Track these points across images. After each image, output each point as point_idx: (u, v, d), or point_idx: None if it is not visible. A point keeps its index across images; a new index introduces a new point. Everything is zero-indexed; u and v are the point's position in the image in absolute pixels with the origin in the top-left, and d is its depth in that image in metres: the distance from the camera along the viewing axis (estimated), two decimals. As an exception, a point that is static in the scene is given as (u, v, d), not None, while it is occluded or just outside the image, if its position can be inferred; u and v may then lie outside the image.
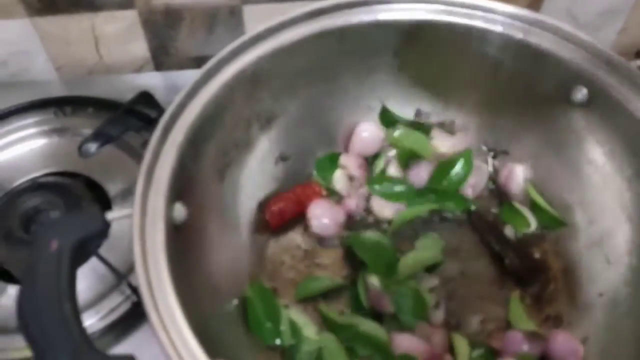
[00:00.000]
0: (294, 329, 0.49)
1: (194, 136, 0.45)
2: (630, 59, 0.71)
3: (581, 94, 0.50)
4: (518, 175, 0.57)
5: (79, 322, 0.36)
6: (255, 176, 0.54)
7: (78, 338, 0.35)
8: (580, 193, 0.54)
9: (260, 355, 0.49)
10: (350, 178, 0.59)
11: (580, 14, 0.73)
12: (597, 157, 0.51)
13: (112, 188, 0.63)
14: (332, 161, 0.59)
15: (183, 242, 0.43)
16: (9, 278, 0.57)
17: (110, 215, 0.41)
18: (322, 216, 0.56)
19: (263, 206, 0.56)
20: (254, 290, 0.51)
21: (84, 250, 0.40)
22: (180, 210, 0.43)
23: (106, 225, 0.40)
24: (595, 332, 0.49)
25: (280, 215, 0.56)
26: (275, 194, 0.56)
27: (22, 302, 0.36)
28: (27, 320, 0.35)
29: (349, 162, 0.59)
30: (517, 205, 0.57)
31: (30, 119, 0.69)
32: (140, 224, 0.39)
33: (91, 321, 0.54)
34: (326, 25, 0.51)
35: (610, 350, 0.48)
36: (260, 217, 0.55)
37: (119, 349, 0.54)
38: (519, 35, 0.51)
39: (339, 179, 0.59)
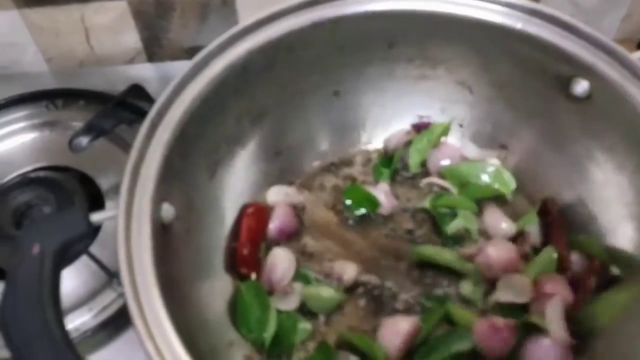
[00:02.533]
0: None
1: (182, 133, 0.44)
2: (633, 48, 0.70)
3: (581, 86, 0.48)
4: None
5: (61, 328, 0.35)
6: (247, 173, 0.53)
7: (60, 344, 0.34)
8: (581, 189, 0.52)
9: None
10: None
11: (582, 0, 0.71)
12: (598, 152, 0.50)
13: (105, 182, 0.62)
14: None
15: (170, 243, 0.42)
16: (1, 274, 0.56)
17: (94, 217, 0.40)
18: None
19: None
20: (247, 287, 0.50)
21: (68, 252, 0.39)
22: (168, 210, 0.42)
23: (90, 227, 0.39)
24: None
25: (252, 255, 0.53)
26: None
27: (4, 307, 0.35)
28: (8, 326, 0.34)
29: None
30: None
31: (21, 112, 0.68)
32: (126, 226, 0.38)
33: (84, 319, 0.53)
34: (318, 17, 0.49)
35: (616, 349, 0.47)
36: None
37: (112, 347, 0.53)
38: (517, 25, 0.49)
39: None
